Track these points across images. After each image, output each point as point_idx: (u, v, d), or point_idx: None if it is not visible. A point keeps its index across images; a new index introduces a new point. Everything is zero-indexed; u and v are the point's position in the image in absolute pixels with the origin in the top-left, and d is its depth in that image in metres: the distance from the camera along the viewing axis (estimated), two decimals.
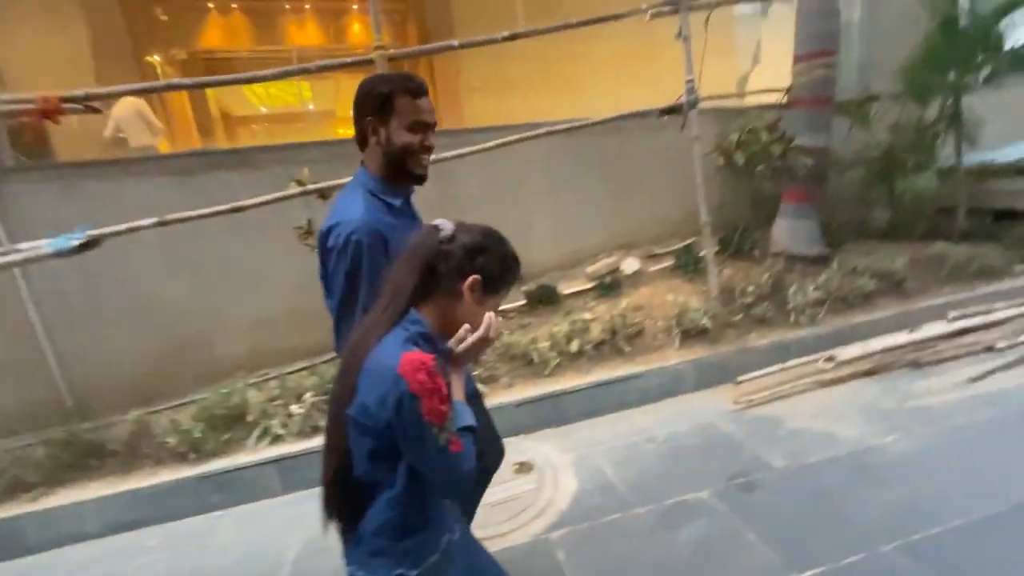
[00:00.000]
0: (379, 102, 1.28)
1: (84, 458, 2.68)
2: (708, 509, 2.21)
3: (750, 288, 3.74)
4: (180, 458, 2.67)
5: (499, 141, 3.14)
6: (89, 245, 2.43)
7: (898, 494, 2.16)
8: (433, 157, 1.46)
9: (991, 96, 5.01)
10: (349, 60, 2.93)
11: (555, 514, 2.30)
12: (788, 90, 3.93)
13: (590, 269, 4.00)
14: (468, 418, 0.96)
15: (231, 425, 2.81)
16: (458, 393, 0.98)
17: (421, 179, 1.37)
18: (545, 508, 2.35)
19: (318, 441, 2.75)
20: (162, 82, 3.08)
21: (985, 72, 4.42)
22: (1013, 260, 4.33)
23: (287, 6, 7.87)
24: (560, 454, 2.75)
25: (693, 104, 3.54)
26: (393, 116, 1.28)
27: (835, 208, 4.77)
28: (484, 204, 3.94)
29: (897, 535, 1.93)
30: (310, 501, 2.60)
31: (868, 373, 3.26)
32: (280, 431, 2.78)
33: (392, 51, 2.92)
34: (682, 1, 3.45)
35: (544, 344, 3.28)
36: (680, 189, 3.99)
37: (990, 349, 3.34)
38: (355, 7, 8.09)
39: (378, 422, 0.87)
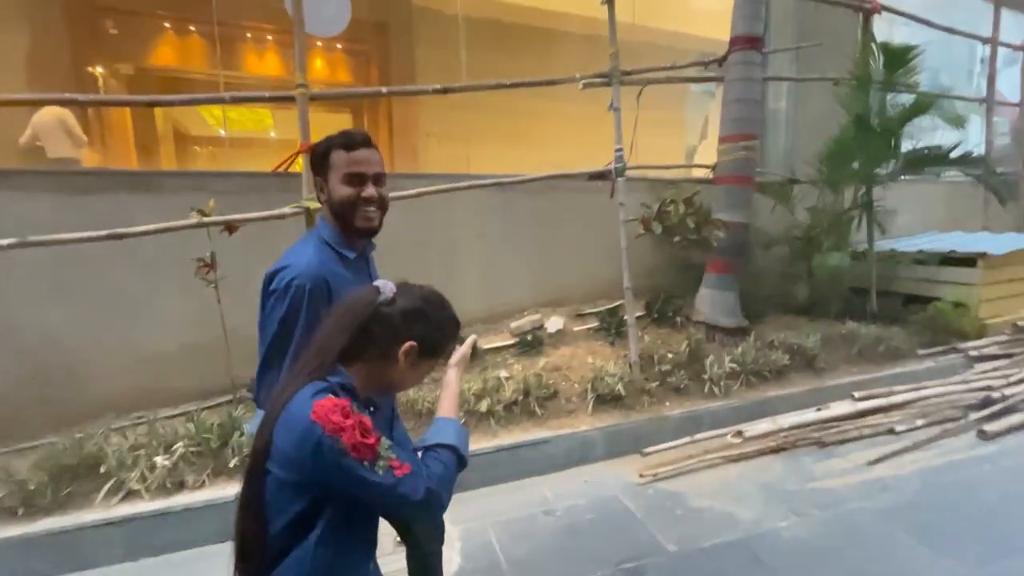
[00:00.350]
0: (319, 160, 1.34)
1: None
2: None
3: (669, 356, 3.75)
4: (6, 513, 2.31)
5: (420, 190, 3.08)
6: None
7: None
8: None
9: (903, 188, 5.46)
10: (267, 95, 2.85)
11: None
12: (714, 168, 4.12)
13: (514, 325, 3.93)
14: (451, 435, 0.99)
15: (79, 476, 2.47)
16: (448, 404, 1.07)
17: (368, 232, 1.36)
18: None
19: (181, 500, 2.46)
20: (67, 94, 2.89)
21: (889, 168, 4.80)
22: (916, 344, 4.56)
23: (248, 35, 7.83)
24: (449, 526, 2.55)
25: (620, 172, 3.64)
26: (331, 171, 1.32)
27: (759, 282, 4.95)
28: (413, 251, 3.84)
29: None
30: (156, 572, 2.29)
31: (775, 450, 3.25)
32: (136, 486, 2.46)
33: (313, 91, 2.86)
34: (613, 75, 3.60)
35: None
36: (611, 251, 4.03)
37: (891, 431, 3.43)
38: (319, 43, 8.14)
39: (302, 472, 0.86)
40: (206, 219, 2.70)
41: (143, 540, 2.35)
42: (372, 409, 1.00)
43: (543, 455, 3.03)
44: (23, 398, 2.89)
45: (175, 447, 2.63)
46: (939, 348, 4.52)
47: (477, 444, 2.97)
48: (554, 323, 3.96)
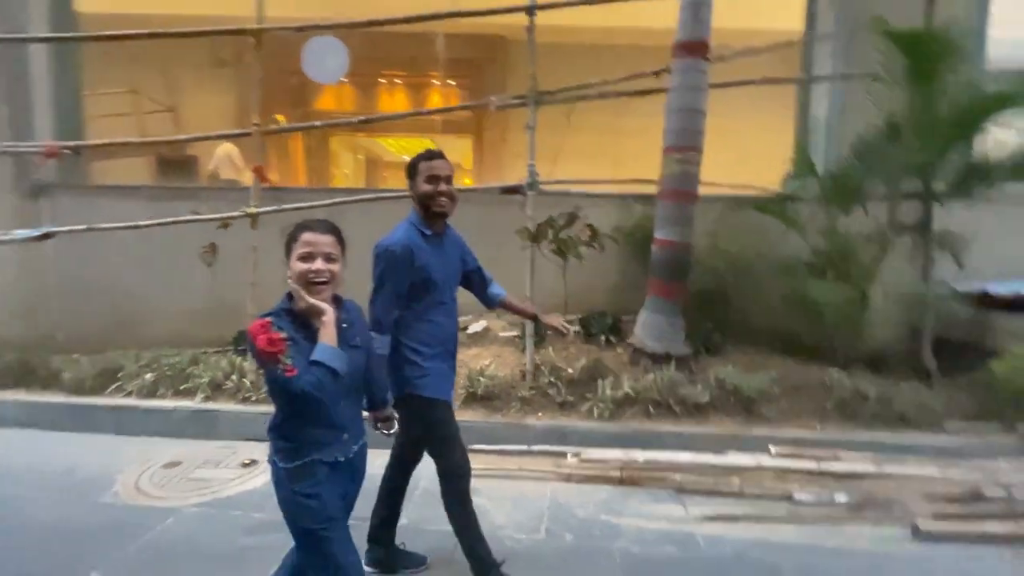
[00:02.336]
0: (410, 169, 1.97)
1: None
2: None
3: (569, 371, 3.72)
4: (67, 386, 3.83)
5: (335, 200, 3.86)
6: (47, 236, 3.79)
7: None
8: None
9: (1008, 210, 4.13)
10: (233, 132, 3.97)
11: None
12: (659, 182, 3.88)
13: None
14: (321, 355, 1.35)
15: (108, 376, 3.89)
16: (323, 336, 1.38)
17: (441, 216, 1.95)
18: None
19: (154, 403, 3.65)
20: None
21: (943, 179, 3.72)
22: (957, 412, 3.45)
23: (382, 80, 9.74)
24: None
25: (532, 186, 3.80)
26: (418, 175, 1.93)
27: (750, 312, 4.33)
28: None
29: None
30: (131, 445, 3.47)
31: (619, 481, 3.02)
32: (129, 388, 3.77)
33: (267, 127, 3.88)
34: (529, 96, 3.81)
35: None
36: (570, 265, 4.09)
37: (788, 498, 2.83)
38: (435, 82, 9.64)
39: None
40: (200, 217, 3.92)
41: (126, 424, 3.61)
42: (305, 327, 1.42)
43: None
44: (113, 332, 4.56)
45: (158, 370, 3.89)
46: (978, 423, 3.34)
47: None
48: (478, 326, 4.26)
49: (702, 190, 3.97)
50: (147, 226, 3.83)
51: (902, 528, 2.59)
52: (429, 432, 2.00)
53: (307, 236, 1.42)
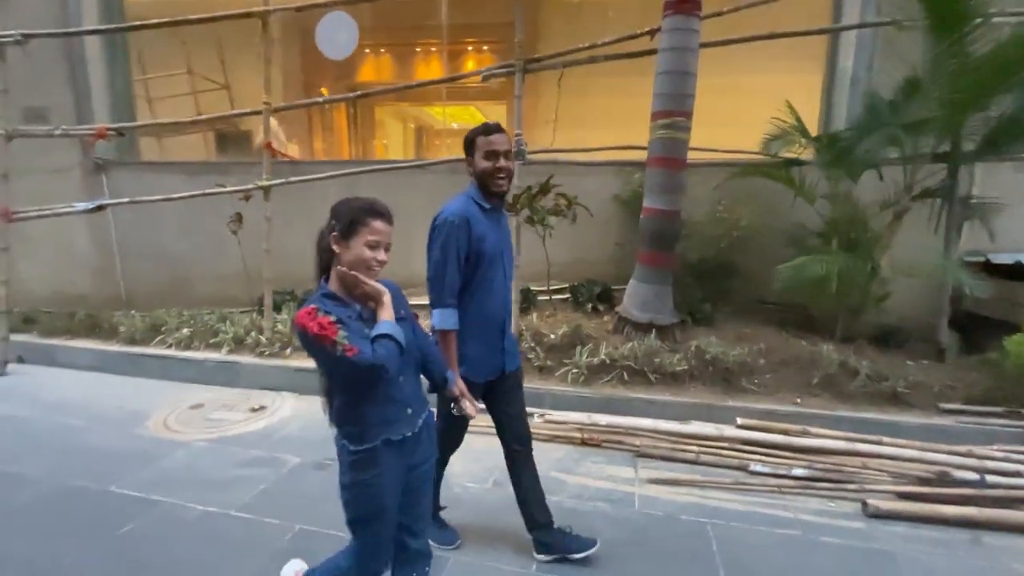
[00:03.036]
0: (467, 143, 1.90)
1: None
2: None
3: (551, 336, 3.83)
4: (124, 338, 4.47)
5: (330, 174, 4.12)
6: (100, 208, 4.36)
7: None
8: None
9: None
10: (242, 112, 4.28)
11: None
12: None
13: None
14: (383, 328, 1.32)
15: (152, 332, 4.49)
16: (384, 315, 1.35)
17: (499, 194, 1.88)
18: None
19: (192, 354, 4.19)
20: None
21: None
22: (960, 393, 3.24)
23: (418, 49, 9.86)
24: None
25: (520, 155, 3.85)
26: (476, 150, 1.85)
27: (751, 283, 4.19)
28: None
29: None
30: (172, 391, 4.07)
31: (580, 442, 3.14)
32: (170, 341, 4.35)
33: (275, 106, 4.16)
34: (517, 65, 3.81)
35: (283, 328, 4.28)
36: (574, 234, 4.14)
37: (743, 468, 2.84)
38: (469, 48, 9.62)
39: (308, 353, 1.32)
40: (226, 188, 4.34)
41: (168, 370, 4.20)
42: (358, 309, 1.38)
43: None
44: (164, 291, 5.19)
45: (195, 325, 4.44)
46: (981, 408, 3.11)
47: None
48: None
49: (707, 156, 3.85)
50: (179, 198, 4.30)
51: (852, 505, 2.55)
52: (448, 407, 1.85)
53: (379, 225, 1.36)
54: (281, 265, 4.56)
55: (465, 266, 1.82)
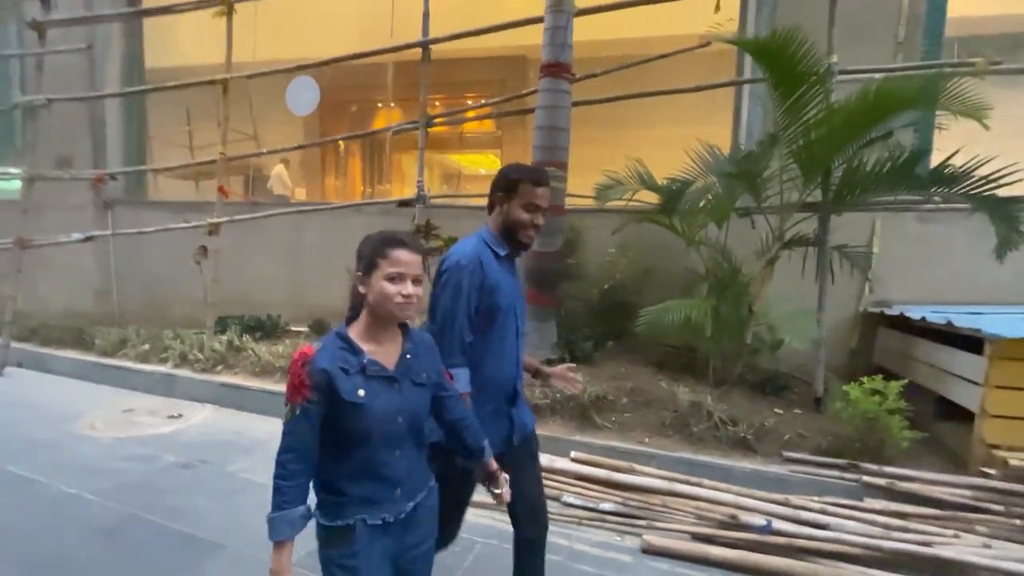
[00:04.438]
0: (508, 184, 1.61)
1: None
2: None
3: None
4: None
5: (267, 212, 4.70)
6: (89, 238, 5.18)
7: None
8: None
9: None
10: (204, 160, 5.01)
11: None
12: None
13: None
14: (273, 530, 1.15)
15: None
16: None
17: (524, 247, 1.66)
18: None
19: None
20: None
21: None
22: (799, 442, 3.20)
23: (379, 105, 10.83)
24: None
25: (420, 199, 4.29)
26: (516, 197, 1.59)
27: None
28: (309, 252, 5.41)
29: None
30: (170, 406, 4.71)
31: None
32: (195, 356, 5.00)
33: (230, 156, 4.87)
34: (420, 120, 4.30)
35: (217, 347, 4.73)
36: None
37: (557, 500, 2.95)
38: (469, 102, 10.44)
39: None
40: (198, 223, 5.04)
41: (124, 379, 4.82)
42: (366, 360, 1.22)
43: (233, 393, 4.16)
44: (150, 311, 5.94)
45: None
46: (823, 459, 3.05)
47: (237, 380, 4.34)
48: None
49: (615, 203, 4.14)
50: (151, 232, 5.05)
51: (634, 540, 2.61)
52: (447, 485, 1.55)
53: (401, 255, 1.21)
54: (239, 291, 5.15)
55: (475, 319, 1.58)
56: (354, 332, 1.26)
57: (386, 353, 1.27)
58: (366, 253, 1.25)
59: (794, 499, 2.80)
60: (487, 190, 1.71)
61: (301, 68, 5.14)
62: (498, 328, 1.62)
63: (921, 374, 3.50)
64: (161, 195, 7.91)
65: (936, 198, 3.42)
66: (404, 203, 4.41)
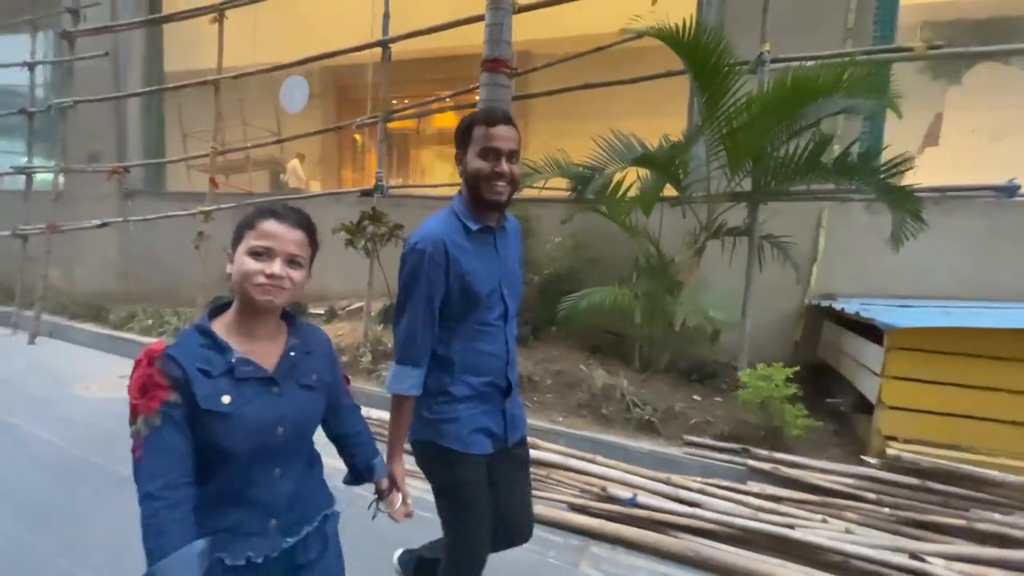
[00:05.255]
0: (462, 133, 1.41)
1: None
2: None
3: (385, 345, 4.40)
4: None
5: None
6: (104, 225, 5.81)
7: None
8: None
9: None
10: (198, 155, 5.49)
11: None
12: None
13: (341, 303, 5.35)
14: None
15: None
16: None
17: (494, 204, 1.39)
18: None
19: None
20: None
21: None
22: (706, 428, 3.25)
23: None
24: None
25: (379, 190, 4.58)
26: (470, 144, 1.38)
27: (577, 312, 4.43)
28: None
29: None
30: None
31: None
32: None
33: (221, 150, 5.33)
34: (380, 115, 4.58)
35: None
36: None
37: None
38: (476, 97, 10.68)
39: None
40: (197, 210, 5.57)
41: (128, 349, 5.40)
42: (234, 358, 0.99)
43: None
44: (162, 292, 6.56)
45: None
46: (723, 444, 3.10)
47: None
48: (350, 303, 5.14)
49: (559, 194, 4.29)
50: (149, 220, 5.61)
51: None
52: (441, 494, 1.51)
53: (268, 226, 1.02)
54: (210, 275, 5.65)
55: (447, 305, 1.40)
56: (219, 326, 1.03)
57: (263, 350, 1.05)
58: (237, 227, 1.05)
59: (676, 478, 2.88)
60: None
61: (280, 68, 5.52)
62: (479, 312, 1.43)
63: (845, 366, 3.45)
64: (193, 187, 8.65)
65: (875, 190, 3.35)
66: (366, 193, 4.72)
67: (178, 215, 5.57)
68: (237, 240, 1.04)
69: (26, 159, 6.34)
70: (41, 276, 5.92)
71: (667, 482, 2.86)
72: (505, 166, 1.36)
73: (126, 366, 4.98)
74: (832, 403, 3.52)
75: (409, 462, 1.48)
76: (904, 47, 3.41)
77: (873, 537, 2.42)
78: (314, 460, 1.17)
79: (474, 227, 1.41)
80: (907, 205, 2.79)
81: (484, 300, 1.43)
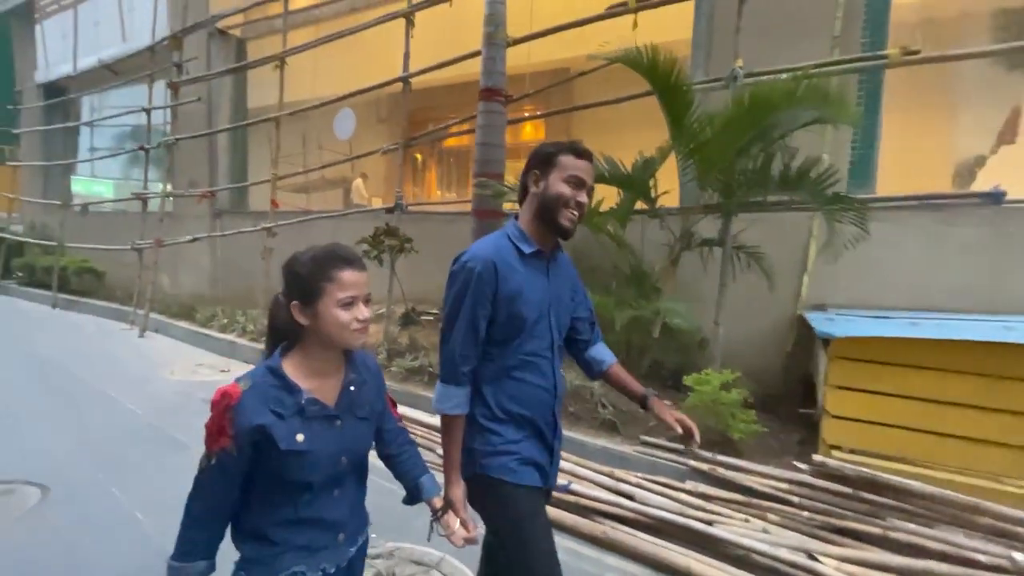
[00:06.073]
0: (545, 158, 1.43)
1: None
2: None
3: (405, 344, 4.96)
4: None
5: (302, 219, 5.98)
6: (194, 240, 7.00)
7: None
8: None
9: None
10: (261, 180, 6.46)
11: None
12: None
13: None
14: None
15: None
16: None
17: (564, 232, 1.41)
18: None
19: None
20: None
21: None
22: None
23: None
24: None
25: (399, 207, 5.19)
26: (555, 170, 1.40)
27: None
28: None
29: None
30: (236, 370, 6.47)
31: None
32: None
33: (282, 175, 6.26)
34: (401, 142, 5.20)
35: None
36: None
37: None
38: (526, 113, 11.17)
39: None
40: (250, 229, 6.59)
41: (209, 343, 6.50)
42: (304, 398, 1.08)
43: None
44: (243, 295, 7.71)
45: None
46: (674, 444, 3.26)
47: None
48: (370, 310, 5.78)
49: None
50: (226, 235, 6.69)
51: None
52: (496, 531, 1.48)
53: (349, 276, 1.07)
54: (272, 287, 6.55)
55: (492, 329, 1.38)
56: (289, 366, 1.10)
57: (327, 386, 1.13)
58: (303, 276, 1.08)
59: (619, 473, 3.10)
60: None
61: (331, 102, 6.37)
62: (527, 339, 1.40)
63: (817, 376, 3.43)
64: (284, 207, 10.02)
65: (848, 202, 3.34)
66: (389, 210, 5.35)
67: (249, 231, 6.60)
68: (313, 293, 1.07)
69: (143, 187, 7.81)
70: (150, 282, 7.27)
71: (609, 475, 3.09)
72: (584, 197, 1.41)
73: (203, 357, 6.11)
74: (806, 413, 3.51)
75: None
76: (880, 55, 3.37)
77: (785, 537, 2.51)
78: (364, 480, 1.27)
79: (528, 250, 1.42)
80: (849, 214, 2.80)
81: (531, 327, 1.40)
